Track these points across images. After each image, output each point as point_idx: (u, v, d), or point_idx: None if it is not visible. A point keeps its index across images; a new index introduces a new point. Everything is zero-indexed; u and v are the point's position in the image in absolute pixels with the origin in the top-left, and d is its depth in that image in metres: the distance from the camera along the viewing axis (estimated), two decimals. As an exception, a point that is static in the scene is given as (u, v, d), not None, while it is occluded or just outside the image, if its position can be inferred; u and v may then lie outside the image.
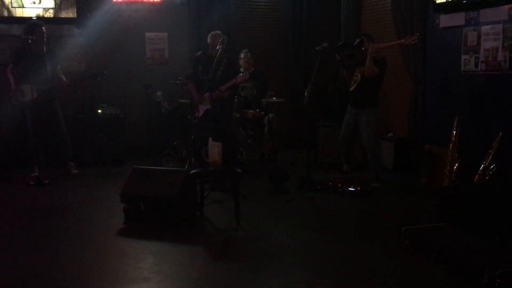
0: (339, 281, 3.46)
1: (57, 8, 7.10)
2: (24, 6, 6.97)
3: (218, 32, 6.17)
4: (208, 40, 6.16)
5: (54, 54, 6.36)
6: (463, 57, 5.65)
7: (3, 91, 6.52)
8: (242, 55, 6.81)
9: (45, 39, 6.20)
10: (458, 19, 5.70)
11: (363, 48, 5.72)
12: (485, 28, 5.33)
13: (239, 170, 4.70)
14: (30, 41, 6.21)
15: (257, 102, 6.64)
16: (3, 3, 6.90)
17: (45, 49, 6.18)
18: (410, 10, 6.23)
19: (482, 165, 4.79)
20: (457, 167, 5.18)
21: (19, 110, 6.28)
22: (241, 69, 6.70)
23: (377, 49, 5.65)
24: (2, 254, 3.90)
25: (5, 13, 6.92)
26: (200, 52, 6.40)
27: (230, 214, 4.71)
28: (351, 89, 5.93)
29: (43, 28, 6.19)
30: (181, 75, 6.88)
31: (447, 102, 5.95)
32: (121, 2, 7.52)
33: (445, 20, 5.93)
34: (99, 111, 7.12)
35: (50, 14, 7.09)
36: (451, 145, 5.28)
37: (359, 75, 5.80)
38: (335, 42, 6.45)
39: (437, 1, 5.84)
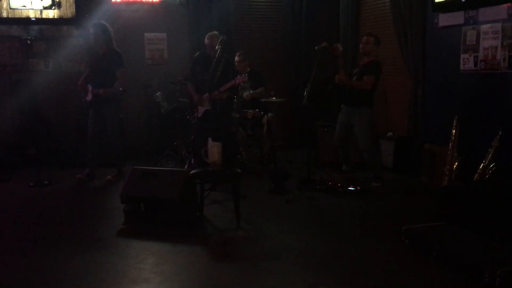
0: (339, 280, 3.46)
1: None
2: (24, 6, 6.97)
3: (216, 32, 6.16)
4: (206, 41, 6.14)
5: (114, 57, 6.03)
6: (462, 56, 5.65)
7: (1, 93, 6.56)
8: (236, 58, 6.81)
9: (101, 40, 5.98)
10: (457, 18, 5.70)
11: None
12: (484, 27, 5.32)
13: (239, 170, 4.70)
14: (28, 41, 6.24)
15: (255, 102, 6.65)
16: (2, 4, 6.90)
17: (106, 50, 6.02)
18: (409, 9, 6.23)
19: (482, 164, 4.79)
20: (456, 166, 5.18)
21: (83, 107, 6.34)
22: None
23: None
24: (2, 255, 3.90)
25: (4, 14, 6.92)
26: (198, 53, 6.39)
27: (230, 214, 4.71)
28: (347, 86, 5.92)
29: (103, 28, 6.00)
30: (180, 76, 6.88)
31: (447, 101, 5.95)
32: (120, 3, 7.53)
33: (444, 19, 5.93)
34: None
35: (49, 14, 7.09)
36: (450, 144, 5.28)
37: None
38: (335, 41, 6.45)
39: (436, 0, 5.84)
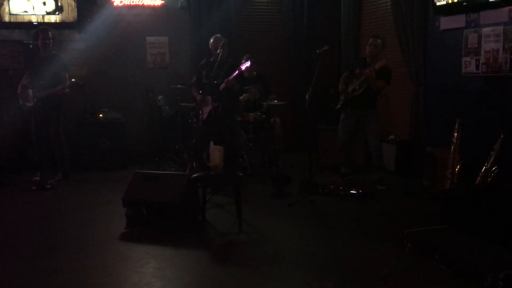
0: (342, 284, 3.45)
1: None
2: (25, 12, 6.99)
3: (219, 35, 6.18)
4: (210, 43, 6.16)
5: (58, 59, 6.23)
6: (464, 59, 5.65)
7: (3, 97, 6.54)
8: (248, 64, 6.78)
9: (47, 43, 6.13)
10: (458, 21, 5.70)
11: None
12: (485, 30, 5.32)
13: (241, 174, 4.70)
14: (31, 46, 6.26)
15: (258, 105, 6.65)
16: (4, 8, 6.91)
17: (50, 54, 6.16)
18: (411, 13, 6.23)
19: (484, 167, 4.78)
20: (459, 169, 5.17)
21: (25, 114, 6.37)
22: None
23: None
24: (4, 259, 3.91)
25: (6, 19, 6.93)
26: (204, 59, 6.39)
27: (232, 218, 4.71)
28: (356, 93, 5.82)
29: (48, 33, 6.15)
30: (182, 80, 6.88)
31: (448, 104, 5.95)
32: (121, 7, 7.54)
33: (445, 22, 5.93)
34: (101, 115, 7.14)
35: (51, 19, 7.10)
36: (452, 147, 5.28)
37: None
38: (336, 45, 6.45)
39: (438, 3, 5.84)
